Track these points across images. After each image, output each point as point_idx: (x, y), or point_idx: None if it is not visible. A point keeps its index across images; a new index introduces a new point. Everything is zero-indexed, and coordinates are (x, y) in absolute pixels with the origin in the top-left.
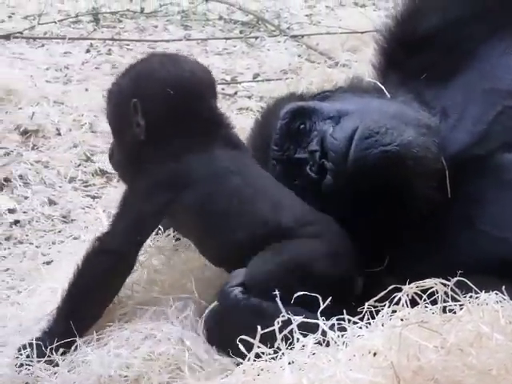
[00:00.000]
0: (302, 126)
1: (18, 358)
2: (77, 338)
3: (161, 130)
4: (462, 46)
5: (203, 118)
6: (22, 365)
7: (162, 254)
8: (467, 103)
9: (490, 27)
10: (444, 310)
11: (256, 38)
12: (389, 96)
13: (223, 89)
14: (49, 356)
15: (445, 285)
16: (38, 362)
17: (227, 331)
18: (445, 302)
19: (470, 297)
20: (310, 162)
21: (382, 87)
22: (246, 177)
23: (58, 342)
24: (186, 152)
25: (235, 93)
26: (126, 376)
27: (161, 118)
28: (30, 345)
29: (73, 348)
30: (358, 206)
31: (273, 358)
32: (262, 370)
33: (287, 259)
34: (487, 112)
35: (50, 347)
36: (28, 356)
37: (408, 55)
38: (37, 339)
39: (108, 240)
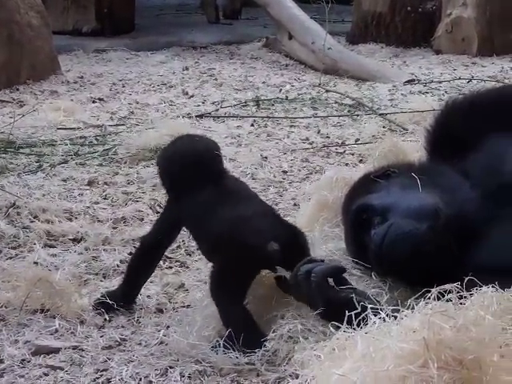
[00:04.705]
0: (364, 217)
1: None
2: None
3: (178, 179)
4: (478, 138)
5: (203, 172)
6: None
7: None
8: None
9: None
10: (460, 297)
11: (357, 115)
12: (420, 190)
13: (336, 148)
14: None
15: (457, 286)
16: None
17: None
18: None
19: (475, 290)
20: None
21: (419, 182)
22: (216, 204)
23: (118, 298)
24: (188, 191)
25: (344, 151)
26: None
27: (176, 175)
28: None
29: None
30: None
31: (354, 329)
32: (348, 337)
33: None
34: (489, 182)
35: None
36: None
37: (446, 142)
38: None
39: (145, 237)
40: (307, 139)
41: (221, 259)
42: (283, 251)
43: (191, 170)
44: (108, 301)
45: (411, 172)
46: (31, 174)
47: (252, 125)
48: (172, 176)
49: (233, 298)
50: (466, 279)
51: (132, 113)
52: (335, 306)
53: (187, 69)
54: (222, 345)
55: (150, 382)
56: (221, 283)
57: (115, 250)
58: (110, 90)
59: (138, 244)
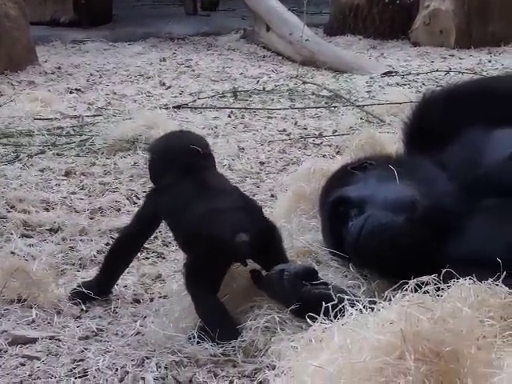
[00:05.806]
0: (341, 209)
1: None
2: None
3: (159, 173)
4: (455, 131)
5: (181, 166)
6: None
7: None
8: (456, 166)
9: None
10: (438, 289)
11: (335, 107)
12: (398, 182)
13: (314, 140)
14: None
15: (435, 278)
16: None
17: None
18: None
19: (453, 282)
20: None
21: (396, 175)
22: (192, 198)
23: (94, 288)
24: (167, 185)
25: (321, 143)
26: None
27: (158, 167)
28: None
29: None
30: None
31: (331, 321)
32: (325, 328)
33: None
34: (466, 174)
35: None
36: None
37: (424, 134)
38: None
39: (125, 229)
40: (284, 130)
41: (192, 252)
42: (254, 245)
43: (169, 164)
44: (84, 291)
45: (388, 164)
46: (8, 164)
47: (229, 116)
48: (152, 169)
49: (205, 290)
50: (444, 271)
51: (109, 103)
52: (308, 301)
53: (164, 60)
54: (196, 336)
55: (127, 372)
56: (193, 275)
57: (92, 240)
58: (88, 80)
59: (117, 235)
